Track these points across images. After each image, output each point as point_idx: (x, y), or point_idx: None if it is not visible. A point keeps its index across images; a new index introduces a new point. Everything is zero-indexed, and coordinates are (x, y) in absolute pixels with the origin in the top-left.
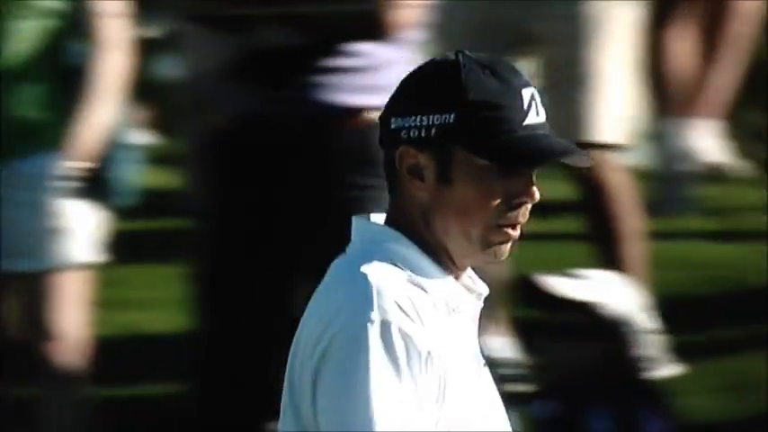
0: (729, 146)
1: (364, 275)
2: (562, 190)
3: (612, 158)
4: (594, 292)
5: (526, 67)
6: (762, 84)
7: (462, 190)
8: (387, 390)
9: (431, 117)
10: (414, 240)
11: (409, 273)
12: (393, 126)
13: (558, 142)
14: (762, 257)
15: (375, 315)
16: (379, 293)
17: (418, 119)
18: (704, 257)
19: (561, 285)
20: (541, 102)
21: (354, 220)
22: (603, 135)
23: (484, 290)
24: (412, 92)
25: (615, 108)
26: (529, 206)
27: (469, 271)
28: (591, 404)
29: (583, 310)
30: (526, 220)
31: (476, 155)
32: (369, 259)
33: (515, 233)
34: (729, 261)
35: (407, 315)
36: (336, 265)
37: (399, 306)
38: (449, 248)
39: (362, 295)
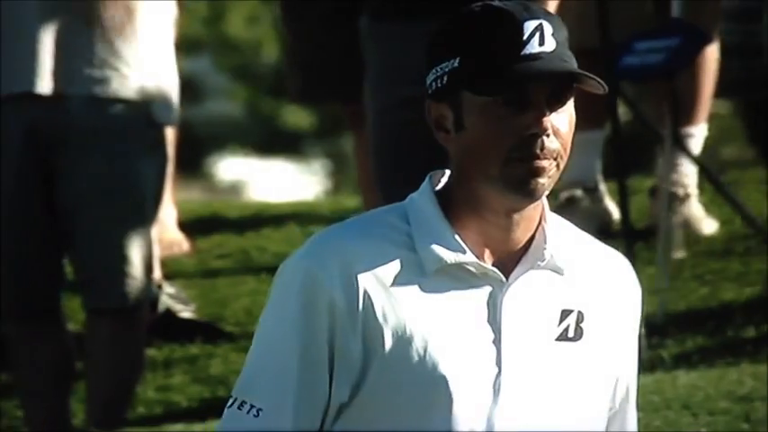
0: None
1: (342, 224)
2: None
3: None
4: None
5: None
6: None
7: (474, 132)
8: (271, 340)
9: (442, 66)
10: (453, 193)
11: (412, 229)
12: (426, 83)
13: (555, 66)
14: None
15: (299, 261)
16: (326, 243)
17: (434, 71)
18: None
19: None
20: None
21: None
22: None
23: (542, 260)
24: (431, 47)
25: None
26: (549, 138)
27: (542, 239)
28: None
29: None
30: (551, 152)
31: (475, 93)
32: (389, 210)
33: (541, 163)
34: None
35: (344, 273)
36: None
37: (332, 262)
38: (483, 198)
39: (313, 240)
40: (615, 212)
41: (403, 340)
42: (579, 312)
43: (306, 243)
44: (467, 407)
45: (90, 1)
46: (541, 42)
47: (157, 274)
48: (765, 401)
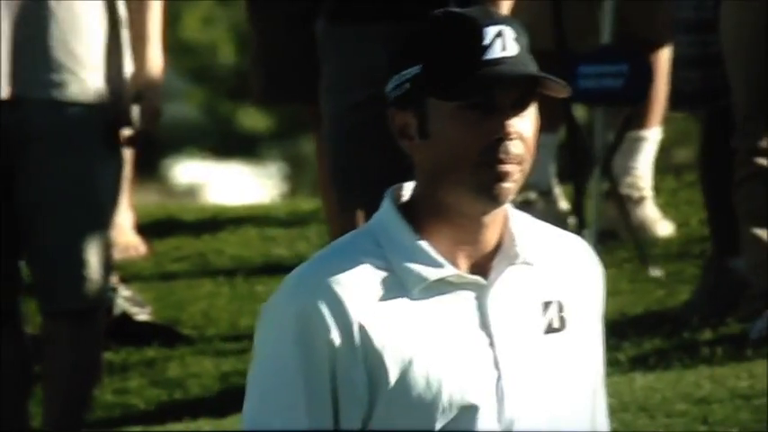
0: None
1: (316, 259)
2: None
3: None
4: None
5: None
6: None
7: (441, 138)
8: (267, 380)
9: (404, 74)
10: (420, 204)
11: (385, 251)
12: (386, 91)
13: (519, 70)
14: None
15: (288, 305)
16: (309, 281)
17: (395, 78)
18: None
19: None
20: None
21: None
22: None
23: (515, 257)
24: (392, 55)
25: None
26: (514, 143)
27: (510, 236)
28: None
29: None
30: (516, 156)
31: (440, 98)
32: (356, 236)
33: (506, 167)
34: None
35: (336, 310)
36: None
37: (321, 298)
38: (452, 204)
39: (293, 278)
40: (570, 215)
41: (406, 365)
42: (559, 302)
43: (286, 283)
44: (476, 415)
45: (48, 3)
46: (504, 47)
47: (113, 277)
48: (723, 404)
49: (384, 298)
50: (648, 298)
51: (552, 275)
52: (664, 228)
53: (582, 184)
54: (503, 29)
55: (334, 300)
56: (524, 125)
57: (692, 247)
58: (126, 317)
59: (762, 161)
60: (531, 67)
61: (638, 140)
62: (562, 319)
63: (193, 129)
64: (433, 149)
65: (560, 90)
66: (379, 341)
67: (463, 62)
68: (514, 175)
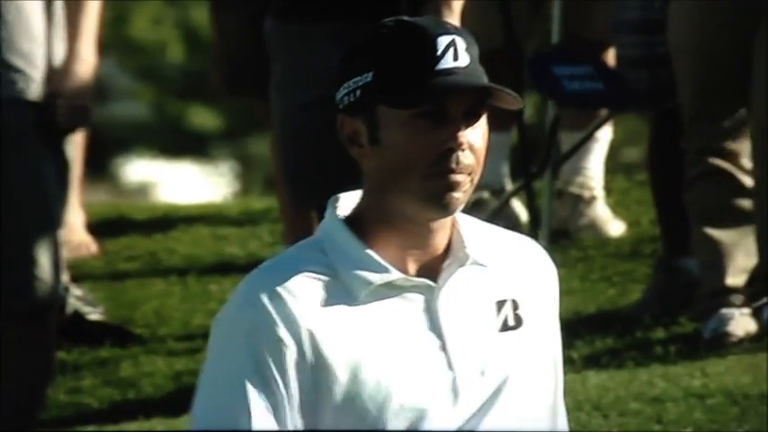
0: None
1: (263, 269)
2: None
3: None
4: None
5: None
6: None
7: (391, 146)
8: (223, 385)
9: (355, 81)
10: (367, 211)
11: (331, 260)
12: (336, 98)
13: (471, 80)
14: None
15: (237, 314)
16: (258, 291)
17: (346, 85)
18: None
19: None
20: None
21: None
22: None
23: (465, 258)
24: (343, 62)
25: None
26: (465, 153)
27: (459, 239)
28: None
29: None
30: (467, 167)
31: (391, 106)
32: (302, 246)
33: (458, 178)
34: None
35: (285, 318)
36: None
37: (271, 308)
38: (401, 212)
39: (242, 289)
40: (523, 214)
41: (355, 369)
42: (513, 300)
43: (235, 295)
44: (430, 417)
45: None
46: (456, 57)
47: (64, 276)
48: (676, 403)
49: (331, 305)
50: (600, 297)
51: (505, 275)
52: (615, 227)
53: (531, 184)
54: (454, 39)
55: (282, 309)
56: (475, 136)
57: (644, 246)
58: (78, 316)
59: (713, 160)
60: (483, 78)
61: (590, 140)
62: (518, 317)
63: (142, 127)
64: (383, 157)
65: (512, 102)
66: (328, 347)
67: (415, 71)
68: (464, 185)
